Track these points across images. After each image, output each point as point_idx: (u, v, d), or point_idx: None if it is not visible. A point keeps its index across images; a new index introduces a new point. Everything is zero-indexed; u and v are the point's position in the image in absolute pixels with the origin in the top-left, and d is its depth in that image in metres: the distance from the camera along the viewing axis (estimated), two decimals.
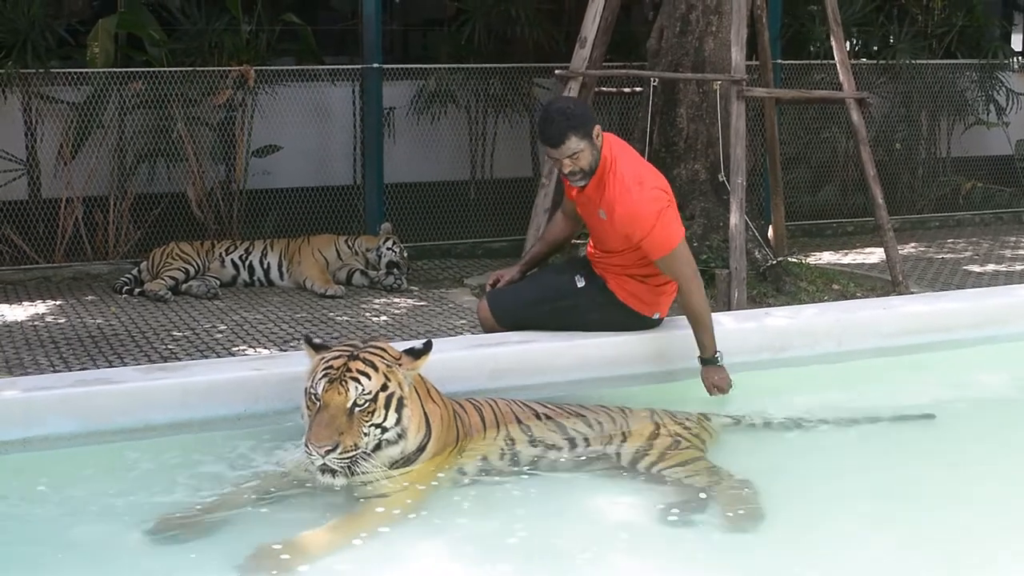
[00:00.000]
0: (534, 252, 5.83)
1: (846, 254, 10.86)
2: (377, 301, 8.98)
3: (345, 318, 8.39)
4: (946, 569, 3.89)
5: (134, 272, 9.26)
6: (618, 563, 3.88)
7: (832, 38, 9.13)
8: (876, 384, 5.49)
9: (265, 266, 9.47)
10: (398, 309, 8.70)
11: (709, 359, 5.18)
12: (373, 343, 4.34)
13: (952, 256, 10.80)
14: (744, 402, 5.14)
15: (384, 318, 8.42)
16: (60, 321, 8.27)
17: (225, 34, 10.04)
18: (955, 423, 5.07)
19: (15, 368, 6.95)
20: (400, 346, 4.45)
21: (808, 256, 10.31)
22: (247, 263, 9.46)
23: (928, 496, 4.44)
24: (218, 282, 9.25)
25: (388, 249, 9.55)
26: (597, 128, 5.21)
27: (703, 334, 5.19)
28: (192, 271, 9.21)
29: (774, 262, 8.91)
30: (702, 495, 4.27)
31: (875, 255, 10.35)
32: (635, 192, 5.13)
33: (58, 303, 8.83)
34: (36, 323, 8.21)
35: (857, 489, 4.47)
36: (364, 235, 9.83)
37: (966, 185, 12.40)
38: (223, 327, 8.11)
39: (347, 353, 4.23)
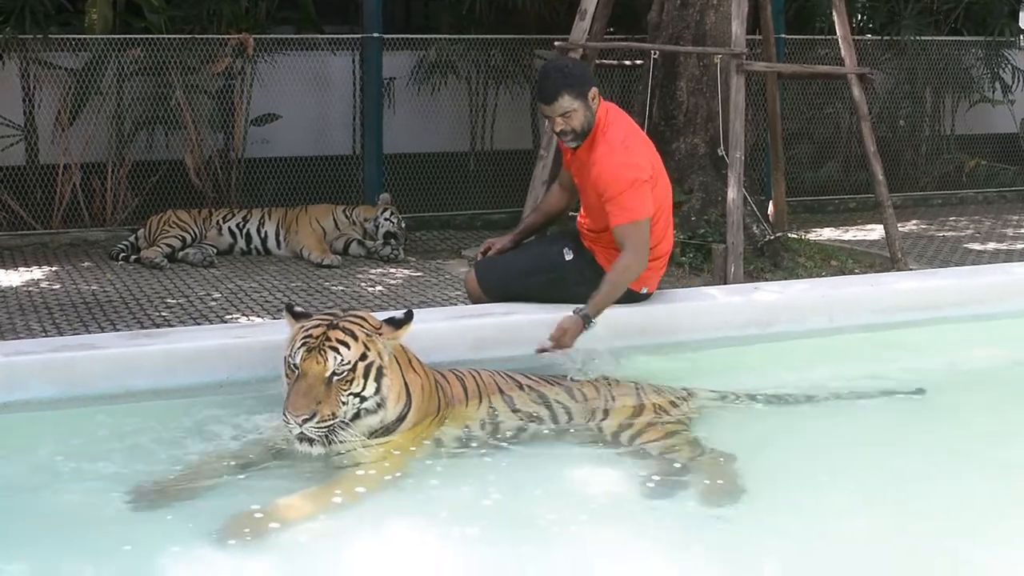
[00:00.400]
0: (529, 222, 5.80)
1: (847, 230, 10.81)
2: (373, 271, 8.96)
3: (340, 288, 8.38)
4: (930, 544, 3.85)
5: (131, 239, 9.25)
6: (597, 534, 3.85)
7: (835, 12, 9.06)
8: (864, 361, 5.44)
9: (262, 235, 9.46)
10: (394, 279, 8.68)
11: (584, 316, 4.95)
12: (353, 312, 4.33)
13: (953, 234, 10.75)
14: (730, 378, 5.11)
15: (379, 288, 8.40)
16: (55, 287, 8.27)
17: (224, 2, 10.00)
18: (944, 400, 5.02)
19: (7, 333, 6.95)
20: (383, 316, 4.42)
21: (809, 232, 10.26)
22: (244, 231, 9.45)
23: (915, 472, 4.38)
24: (215, 250, 9.24)
25: (386, 219, 9.53)
26: (594, 90, 5.20)
27: (601, 298, 5.01)
28: (189, 239, 9.20)
29: (772, 237, 8.87)
30: (683, 469, 4.25)
31: (876, 232, 10.30)
32: (619, 154, 5.13)
33: (54, 269, 8.83)
34: (31, 288, 8.21)
35: (842, 465, 4.42)
36: (362, 205, 9.81)
37: (970, 163, 12.34)
38: (217, 295, 8.10)
39: (326, 322, 4.21)
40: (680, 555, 3.77)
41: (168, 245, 9.06)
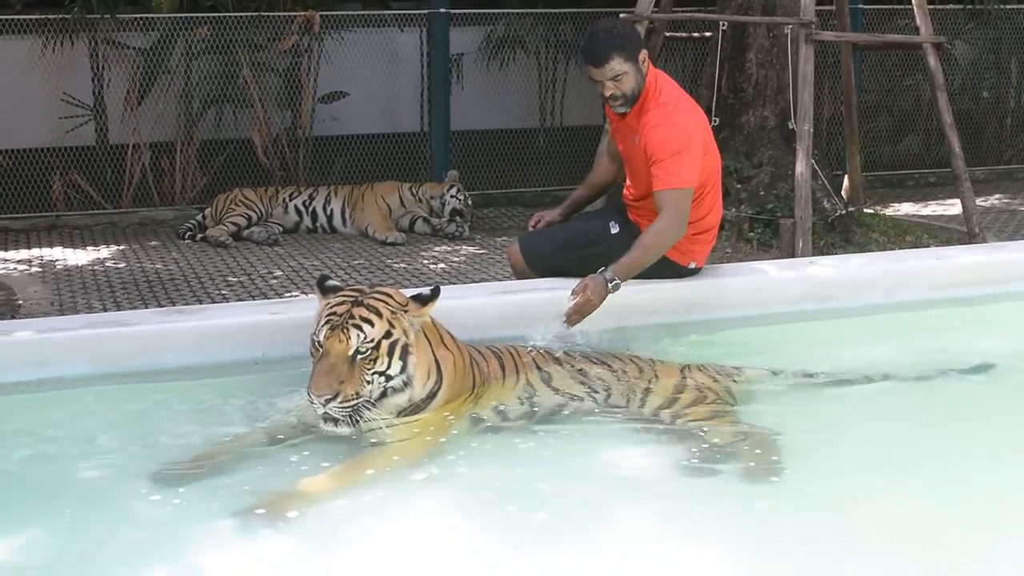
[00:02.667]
0: (577, 195, 5.66)
1: (926, 205, 10.51)
2: (437, 248, 8.89)
3: (403, 265, 8.32)
4: (982, 527, 3.68)
5: (198, 218, 9.28)
6: (635, 512, 3.75)
7: None
8: (925, 337, 5.23)
9: (328, 212, 9.43)
10: (457, 257, 8.61)
11: (608, 278, 4.77)
12: (380, 288, 4.24)
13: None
14: (784, 354, 4.95)
15: (442, 266, 8.33)
16: (120, 266, 8.31)
17: None
18: (1011, 378, 4.81)
19: (68, 311, 6.99)
20: (410, 292, 4.33)
21: (887, 207, 10.00)
22: (310, 209, 9.44)
23: (976, 454, 4.20)
24: (280, 228, 9.24)
25: (452, 197, 9.45)
26: (643, 53, 5.06)
27: (630, 261, 4.84)
28: (255, 217, 9.20)
29: (843, 212, 8.63)
30: (723, 448, 4.11)
31: (956, 207, 9.91)
32: (672, 117, 4.98)
33: (121, 248, 8.88)
34: (95, 267, 8.27)
35: (894, 445, 4.26)
36: (429, 182, 9.74)
37: None
38: (279, 272, 8.09)
39: (351, 299, 4.13)
40: (720, 533, 3.64)
41: (234, 223, 9.07)
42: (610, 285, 4.76)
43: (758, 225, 8.46)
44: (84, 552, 3.54)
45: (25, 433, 4.22)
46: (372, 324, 4.03)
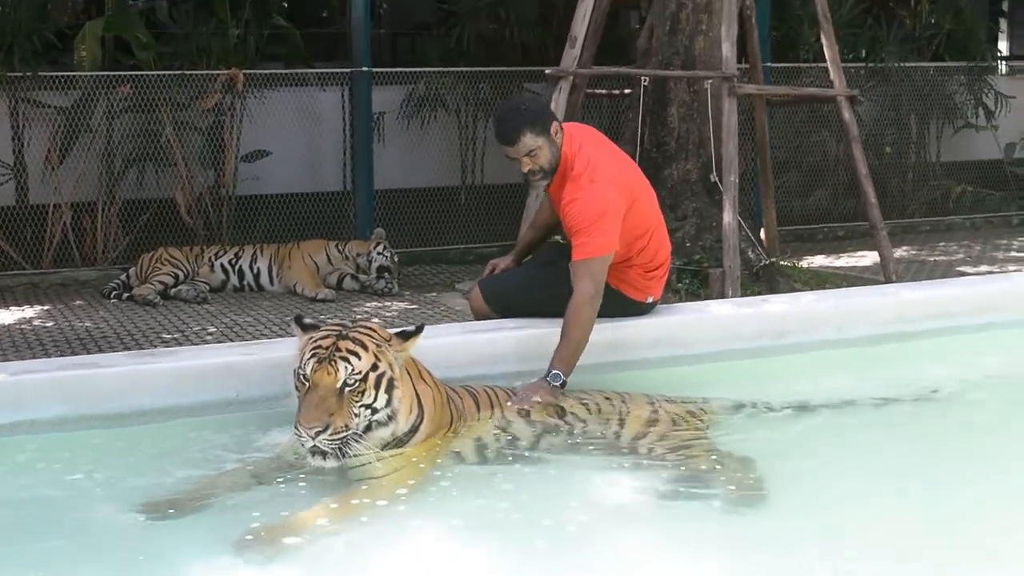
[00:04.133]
0: (527, 239, 5.76)
1: (838, 257, 10.82)
2: (368, 305, 8.91)
3: (336, 321, 8.31)
4: (949, 547, 3.81)
5: (123, 278, 9.18)
6: (617, 540, 3.80)
7: (822, 35, 9.10)
8: (876, 369, 5.42)
9: (255, 271, 9.39)
10: (389, 312, 8.63)
11: (554, 377, 4.72)
12: (362, 323, 4.28)
13: (944, 258, 10.77)
14: (744, 387, 5.07)
15: (376, 321, 8.33)
16: (48, 324, 8.18)
17: (213, 38, 9.99)
18: (957, 405, 5.01)
19: None
20: (393, 330, 4.37)
21: (800, 260, 10.26)
22: (237, 267, 9.39)
23: (932, 477, 4.36)
24: (208, 287, 9.17)
25: (379, 254, 9.48)
26: (555, 125, 5.09)
27: (567, 352, 4.77)
28: (181, 276, 9.13)
29: (768, 262, 8.86)
30: (702, 475, 4.20)
31: (867, 258, 10.32)
32: (584, 189, 5.00)
33: (46, 307, 8.75)
34: (23, 326, 8.13)
35: (858, 470, 4.40)
36: (355, 240, 9.76)
37: (956, 189, 12.38)
38: (213, 329, 8.03)
39: (336, 333, 4.16)
40: (701, 560, 3.70)
41: (161, 282, 8.99)
42: (557, 384, 4.72)
43: (685, 275, 8.63)
44: None
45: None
46: (359, 356, 4.07)
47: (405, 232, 10.28)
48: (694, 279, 8.56)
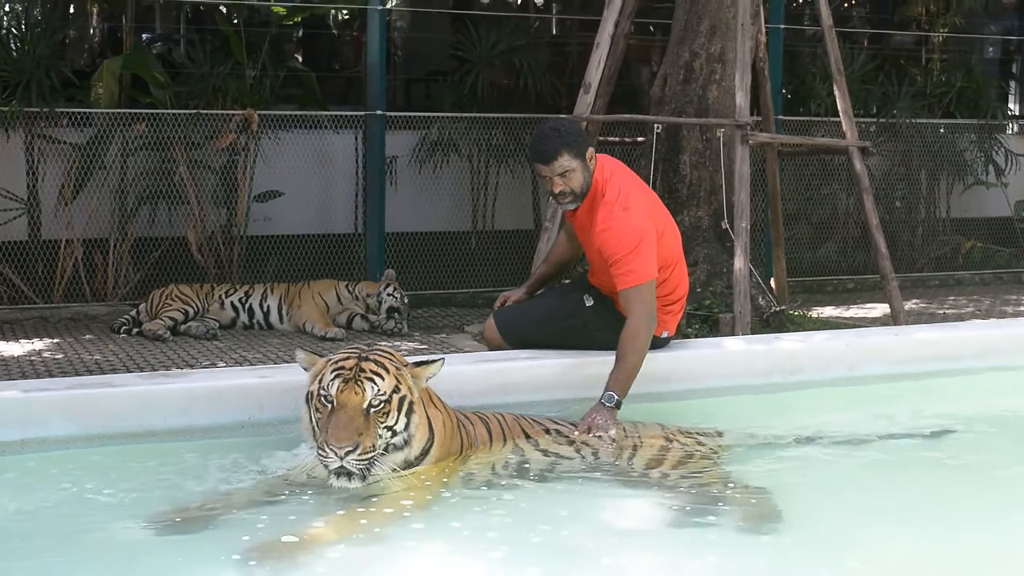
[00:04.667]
0: (540, 273, 5.77)
1: (848, 308, 10.81)
2: (378, 344, 8.89)
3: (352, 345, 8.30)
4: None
5: (132, 313, 9.18)
6: (629, 564, 3.78)
7: (835, 87, 9.14)
8: (888, 407, 5.41)
9: (265, 309, 9.40)
10: (400, 351, 8.60)
11: (610, 399, 4.79)
12: (378, 347, 4.29)
13: (954, 312, 10.75)
14: (756, 421, 5.06)
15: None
16: (58, 356, 8.18)
17: (229, 78, 10.06)
18: (969, 443, 5.00)
19: None
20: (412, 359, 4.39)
21: (810, 310, 10.26)
22: (247, 306, 9.39)
23: (941, 511, 4.35)
24: (218, 324, 9.18)
25: (389, 295, 9.49)
26: (591, 150, 5.13)
27: (623, 375, 4.84)
28: (191, 312, 9.14)
29: (777, 309, 8.87)
30: (716, 499, 4.18)
31: (877, 310, 10.31)
32: (618, 218, 5.03)
33: (55, 341, 8.75)
34: (33, 358, 8.13)
35: (870, 501, 4.39)
36: (365, 280, 9.78)
37: (966, 245, 12.40)
38: (222, 364, 8.01)
39: (357, 354, 4.17)
40: None
41: (171, 318, 9.00)
42: (612, 404, 4.77)
43: (695, 321, 8.63)
44: None
45: (11, 489, 4.13)
46: (383, 378, 4.09)
47: (415, 275, 10.30)
48: (704, 324, 8.56)
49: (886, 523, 4.14)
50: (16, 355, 8.18)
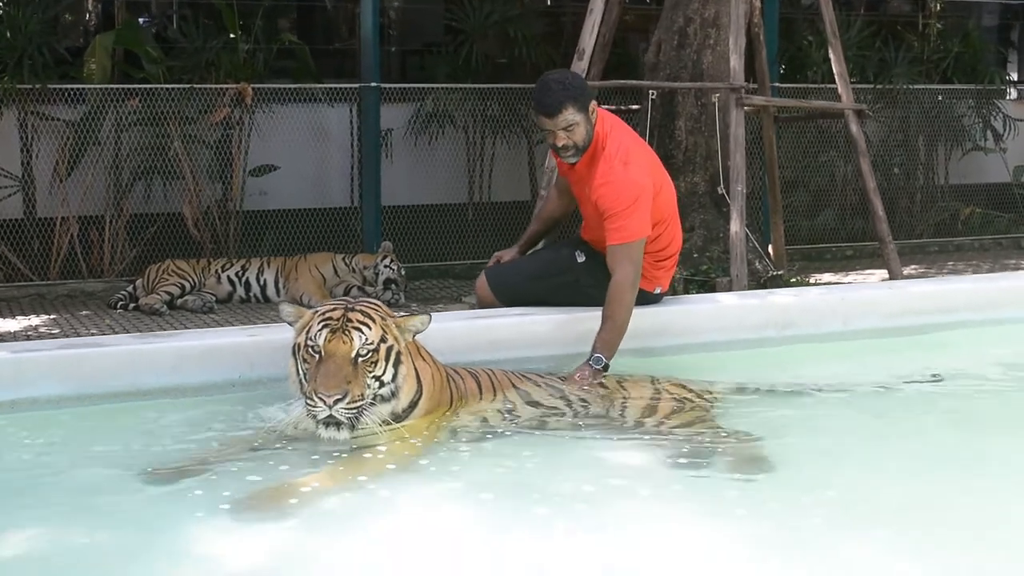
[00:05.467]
0: (531, 231, 5.76)
1: (847, 275, 10.77)
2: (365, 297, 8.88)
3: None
4: (950, 521, 3.77)
5: (129, 289, 9.16)
6: (622, 510, 3.77)
7: (831, 51, 9.10)
8: (881, 359, 5.40)
9: (262, 283, 9.38)
10: None
11: (596, 360, 4.78)
12: (364, 299, 4.28)
13: (954, 276, 10.72)
14: (749, 374, 5.05)
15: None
16: (54, 331, 8.17)
17: (222, 52, 10.01)
18: (962, 394, 4.99)
19: None
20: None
21: (808, 277, 10.23)
22: (243, 279, 9.38)
23: (932, 453, 4.35)
24: (214, 298, 9.17)
25: (386, 267, 9.46)
26: (593, 104, 5.11)
27: (610, 335, 4.82)
28: (188, 287, 9.12)
29: (775, 273, 8.84)
30: (709, 445, 4.17)
31: (875, 277, 10.27)
32: (619, 171, 5.01)
33: (52, 317, 8.73)
34: (29, 333, 8.11)
35: (862, 446, 4.38)
36: (361, 253, 9.76)
37: (964, 211, 12.35)
38: None
39: (343, 305, 4.17)
40: (709, 524, 3.67)
41: (167, 292, 8.98)
42: (600, 367, 4.75)
43: (693, 286, 8.59)
44: (76, 552, 3.46)
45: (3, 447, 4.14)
46: (370, 328, 4.08)
47: (412, 247, 10.26)
48: (700, 289, 8.53)
49: (875, 470, 4.13)
50: (12, 331, 8.17)
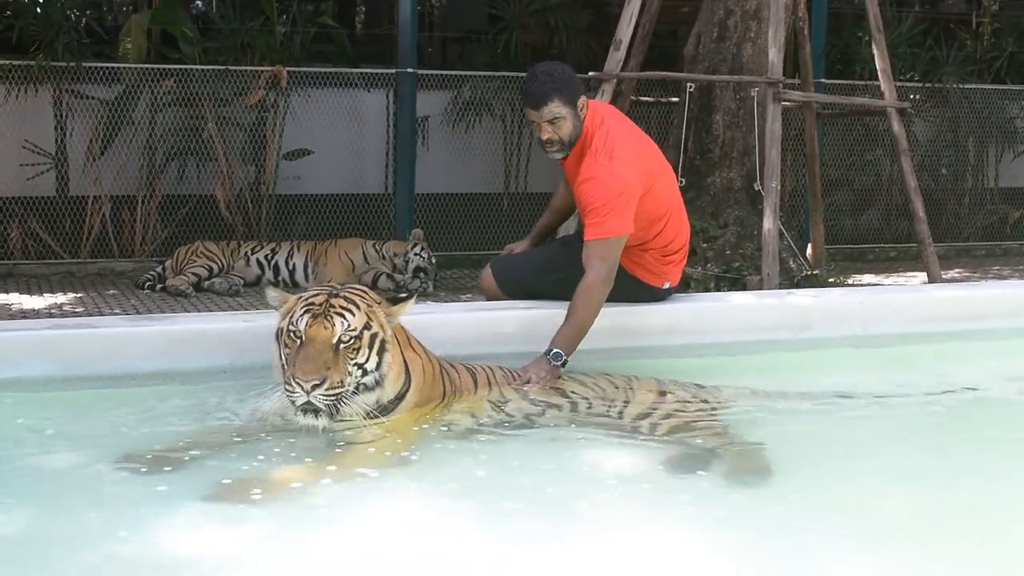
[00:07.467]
0: (543, 223, 5.62)
1: (888, 277, 10.55)
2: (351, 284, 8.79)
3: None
4: (961, 535, 3.60)
5: (158, 269, 9.15)
6: (614, 513, 3.63)
7: (874, 46, 8.87)
8: (902, 366, 5.20)
9: (290, 267, 9.33)
10: None
11: (555, 356, 4.58)
12: (351, 286, 4.18)
13: (985, 282, 10.45)
14: (759, 377, 4.88)
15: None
16: (77, 310, 8.15)
17: (258, 34, 9.96)
18: (987, 402, 4.78)
19: None
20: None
21: (849, 278, 10.01)
22: (272, 263, 9.33)
23: (948, 466, 4.16)
24: (242, 281, 9.12)
25: (416, 255, 9.38)
26: (583, 99, 4.92)
27: (571, 331, 4.62)
28: (216, 269, 9.08)
29: (808, 272, 8.64)
30: (707, 451, 4.02)
31: (918, 279, 10.03)
32: (602, 166, 4.83)
33: (79, 295, 8.73)
34: (52, 312, 8.10)
35: (871, 456, 4.20)
36: (393, 240, 9.67)
37: (1014, 214, 12.06)
38: None
39: (327, 291, 4.07)
40: (703, 529, 3.54)
41: (195, 274, 8.95)
42: (558, 363, 4.58)
43: (724, 283, 8.43)
44: (57, 536, 3.37)
45: None
46: (353, 313, 3.98)
47: (445, 236, 10.17)
48: (732, 286, 8.36)
49: (885, 482, 3.95)
50: (36, 308, 8.17)
